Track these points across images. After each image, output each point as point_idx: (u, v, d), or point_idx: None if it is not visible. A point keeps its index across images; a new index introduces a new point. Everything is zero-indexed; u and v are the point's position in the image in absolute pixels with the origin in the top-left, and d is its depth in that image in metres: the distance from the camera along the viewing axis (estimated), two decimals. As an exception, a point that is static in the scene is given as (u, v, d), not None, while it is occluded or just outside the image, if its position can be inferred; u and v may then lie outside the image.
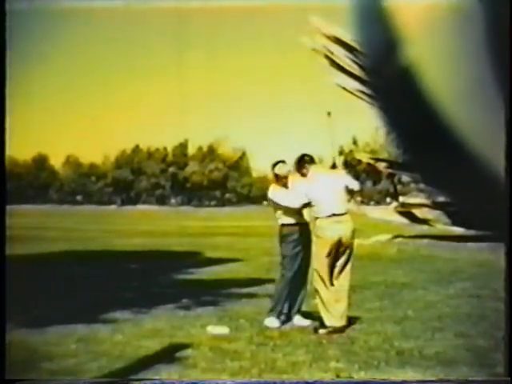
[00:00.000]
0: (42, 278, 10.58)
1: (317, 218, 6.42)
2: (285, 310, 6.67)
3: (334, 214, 6.32)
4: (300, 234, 6.65)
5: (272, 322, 6.54)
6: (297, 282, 6.65)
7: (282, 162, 6.78)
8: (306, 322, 6.59)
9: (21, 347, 5.44)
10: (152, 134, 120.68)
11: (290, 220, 6.67)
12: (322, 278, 6.34)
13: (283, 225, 6.70)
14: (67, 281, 10.40)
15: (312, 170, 6.54)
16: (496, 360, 4.92)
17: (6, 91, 4.13)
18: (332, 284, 6.39)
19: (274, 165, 6.76)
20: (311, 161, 6.59)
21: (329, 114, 6.65)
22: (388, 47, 2.00)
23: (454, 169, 2.14)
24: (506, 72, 1.98)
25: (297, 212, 6.64)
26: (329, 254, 6.31)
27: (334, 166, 6.69)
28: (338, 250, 6.35)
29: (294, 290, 6.66)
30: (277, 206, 6.71)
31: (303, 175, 6.57)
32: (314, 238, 6.50)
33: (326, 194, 6.36)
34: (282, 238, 6.70)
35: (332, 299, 6.34)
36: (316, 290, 6.41)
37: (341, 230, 6.32)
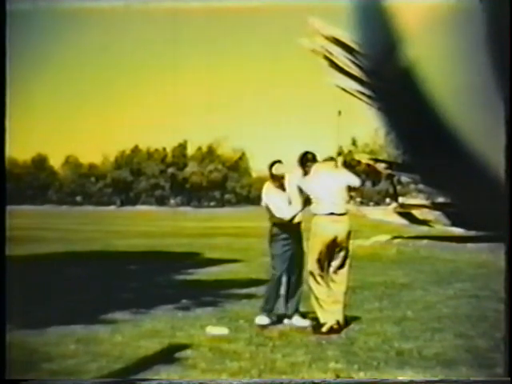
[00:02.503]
0: (42, 278, 10.57)
1: (315, 214, 6.44)
2: (281, 310, 6.71)
3: (333, 213, 6.34)
4: (290, 234, 6.69)
5: (262, 319, 6.61)
6: (293, 281, 6.70)
7: (279, 161, 6.81)
8: (306, 322, 6.60)
9: (21, 347, 5.44)
10: (151, 134, 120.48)
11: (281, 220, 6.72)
12: (313, 274, 6.38)
13: (274, 224, 6.74)
14: (67, 281, 10.40)
15: (315, 168, 6.56)
16: (495, 360, 4.92)
17: (6, 91, 4.13)
18: (327, 284, 6.42)
19: (271, 165, 6.79)
20: (314, 158, 6.62)
21: (340, 113, 6.67)
22: (388, 47, 2.00)
23: (454, 169, 2.14)
24: (506, 72, 1.98)
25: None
26: (322, 252, 6.34)
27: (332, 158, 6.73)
28: (334, 249, 6.37)
29: (290, 290, 6.71)
30: (268, 208, 6.78)
31: (306, 173, 6.58)
32: (310, 235, 6.51)
33: (326, 192, 6.37)
34: (272, 237, 6.76)
35: (326, 296, 6.37)
36: (309, 288, 6.46)
37: (337, 229, 6.35)
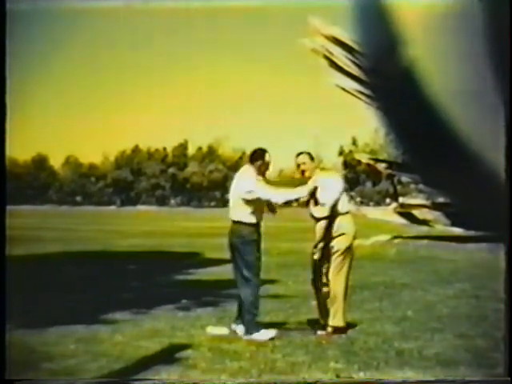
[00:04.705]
0: (42, 278, 10.57)
1: (338, 214, 6.23)
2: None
3: (350, 211, 6.41)
4: (257, 235, 6.34)
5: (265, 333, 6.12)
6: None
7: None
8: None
9: (21, 347, 5.44)
10: (152, 134, 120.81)
11: (253, 219, 6.28)
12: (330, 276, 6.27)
13: (245, 224, 6.30)
14: (67, 281, 10.39)
15: (314, 173, 6.41)
16: (495, 360, 4.92)
17: (6, 91, 4.13)
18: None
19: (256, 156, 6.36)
20: (311, 158, 6.47)
21: None
22: (388, 47, 2.00)
23: (454, 169, 2.14)
24: (505, 72, 1.98)
25: (261, 210, 6.31)
26: (350, 250, 6.25)
27: None
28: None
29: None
30: (251, 201, 6.24)
31: (302, 173, 6.42)
32: (336, 235, 6.23)
33: (338, 193, 6.32)
34: (243, 239, 6.32)
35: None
36: (331, 291, 6.30)
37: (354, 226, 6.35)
